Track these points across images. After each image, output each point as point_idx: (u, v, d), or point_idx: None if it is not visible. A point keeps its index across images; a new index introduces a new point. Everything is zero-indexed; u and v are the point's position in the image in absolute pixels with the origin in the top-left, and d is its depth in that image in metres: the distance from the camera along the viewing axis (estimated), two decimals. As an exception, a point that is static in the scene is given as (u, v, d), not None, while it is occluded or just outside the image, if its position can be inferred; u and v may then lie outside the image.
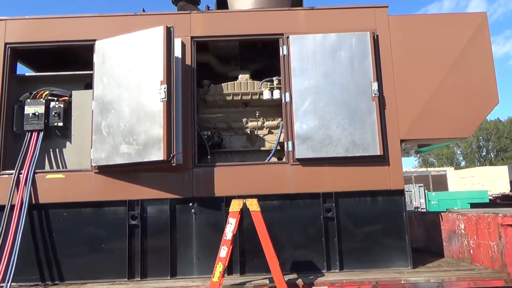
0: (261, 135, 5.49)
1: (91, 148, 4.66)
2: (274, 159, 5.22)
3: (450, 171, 25.96)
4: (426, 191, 18.36)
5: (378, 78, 4.78)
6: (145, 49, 4.57)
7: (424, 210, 16.91)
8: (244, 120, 5.48)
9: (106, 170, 4.66)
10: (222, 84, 5.35)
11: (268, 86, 5.23)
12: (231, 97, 5.33)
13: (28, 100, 5.03)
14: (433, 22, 4.99)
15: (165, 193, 4.67)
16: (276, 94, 5.14)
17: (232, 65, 5.79)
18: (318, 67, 4.77)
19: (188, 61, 4.92)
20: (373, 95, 4.69)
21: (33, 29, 5.01)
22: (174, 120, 4.42)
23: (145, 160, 4.37)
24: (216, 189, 4.67)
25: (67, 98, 5.08)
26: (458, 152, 67.53)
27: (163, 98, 4.37)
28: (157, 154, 4.31)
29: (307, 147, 4.63)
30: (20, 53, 5.17)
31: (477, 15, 4.99)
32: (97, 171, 4.69)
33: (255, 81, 5.37)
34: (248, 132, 5.44)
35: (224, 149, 5.43)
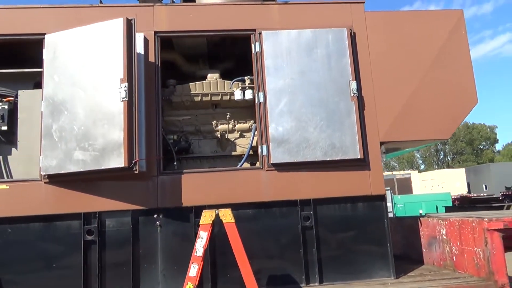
0: (232, 139, 5.10)
1: (40, 155, 4.11)
2: (247, 165, 4.84)
3: (414, 174, 26.54)
4: (392, 194, 18.55)
5: (357, 76, 4.52)
6: (103, 44, 4.09)
7: (391, 213, 17.05)
8: (213, 122, 5.07)
9: (57, 180, 4.12)
10: (190, 84, 4.93)
11: (240, 85, 4.86)
12: (199, 98, 4.92)
13: (-34, 101, 4.40)
14: (411, 18, 4.81)
15: (126, 204, 4.18)
16: (249, 94, 4.78)
17: (200, 64, 5.38)
18: (293, 65, 4.45)
19: (151, 58, 4.47)
20: (352, 94, 4.41)
21: (-29, 20, 4.40)
22: (136, 122, 3.96)
23: (102, 167, 3.87)
24: (184, 199, 4.23)
25: (12, 98, 4.49)
26: (418, 155, 69.84)
27: (123, 98, 3.90)
28: (117, 161, 3.83)
29: (283, 151, 4.28)
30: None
31: (454, 12, 4.85)
32: (47, 180, 4.13)
33: (226, 81, 4.98)
34: (218, 135, 5.04)
35: (192, 155, 5.00)
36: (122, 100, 3.90)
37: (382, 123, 4.51)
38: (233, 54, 5.36)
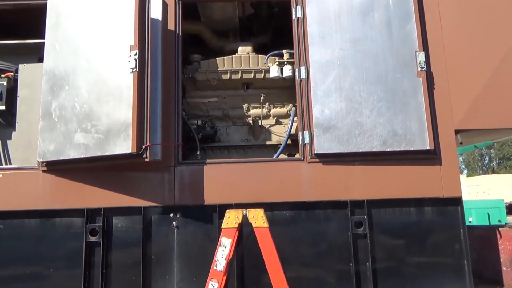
0: (267, 126, 4.28)
1: (39, 138, 3.44)
2: (283, 156, 4.01)
3: (462, 179, 24.69)
4: (438, 199, 17.04)
5: (425, 47, 3.58)
6: (112, 6, 3.37)
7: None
8: (245, 106, 4.26)
9: (57, 168, 3.44)
10: (217, 59, 4.14)
11: (277, 60, 4.02)
12: (228, 76, 4.11)
13: (-39, 77, 3.81)
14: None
15: (137, 200, 3.45)
16: (287, 71, 3.93)
17: (230, 38, 4.59)
18: (344, 32, 3.57)
19: (171, 26, 3.71)
20: (419, 69, 3.48)
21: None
22: (149, 99, 3.22)
23: (107, 153, 3.15)
24: (207, 195, 3.44)
25: (12, 74, 3.86)
26: (460, 159, 66.45)
27: (133, 68, 3.17)
28: (124, 146, 3.09)
29: (330, 138, 3.41)
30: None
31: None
32: (45, 169, 3.46)
33: (260, 55, 4.16)
34: (250, 121, 4.23)
35: (219, 144, 4.21)
36: (132, 71, 3.16)
37: (457, 106, 3.55)
38: (269, 27, 4.54)
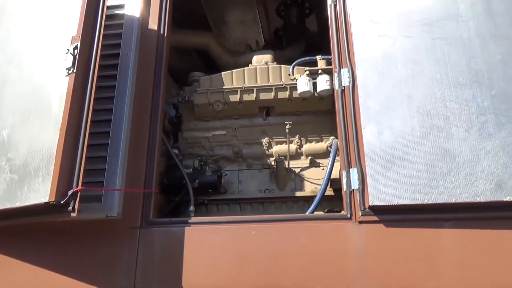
0: (297, 170, 2.89)
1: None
2: (320, 214, 2.56)
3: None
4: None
5: (555, 25, 2.13)
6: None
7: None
8: (264, 141, 2.95)
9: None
10: (223, 73, 2.92)
11: (306, 69, 2.73)
12: (238, 97, 2.85)
13: None
14: None
15: (80, 284, 2.12)
16: (323, 83, 2.61)
17: (246, 50, 3.40)
18: (411, 12, 2.24)
19: (153, 24, 2.61)
20: (552, 59, 2.01)
21: None
22: (89, 118, 2.01)
23: (17, 204, 1.92)
24: (188, 279, 2.05)
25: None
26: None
27: (69, 69, 2.01)
28: (40, 191, 1.85)
29: (396, 179, 1.94)
30: None
31: None
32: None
33: (283, 66, 2.88)
34: (273, 163, 2.88)
35: (228, 196, 2.87)
36: (68, 74, 2.01)
37: None
38: (301, 35, 3.34)
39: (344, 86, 2.24)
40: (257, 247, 2.06)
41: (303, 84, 2.65)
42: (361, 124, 2.09)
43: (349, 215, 2.04)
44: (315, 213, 2.42)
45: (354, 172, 2.07)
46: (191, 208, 2.62)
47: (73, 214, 1.80)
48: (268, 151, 2.94)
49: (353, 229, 2.00)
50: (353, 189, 2.06)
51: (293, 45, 3.39)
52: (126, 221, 2.16)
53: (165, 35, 2.60)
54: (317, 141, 2.92)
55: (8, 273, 2.19)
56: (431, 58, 2.13)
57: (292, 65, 2.77)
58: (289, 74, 2.77)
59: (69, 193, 1.81)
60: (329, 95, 2.65)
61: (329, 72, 2.63)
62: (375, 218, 1.97)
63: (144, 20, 2.59)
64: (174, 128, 2.96)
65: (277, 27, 3.77)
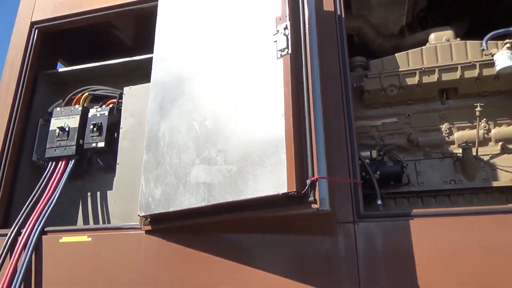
0: (486, 156, 2.57)
1: (142, 181, 2.27)
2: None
3: None
4: None
5: None
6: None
7: None
8: (444, 127, 2.66)
9: (164, 228, 2.19)
10: (396, 54, 2.68)
11: (506, 43, 2.41)
12: (416, 79, 2.59)
13: (58, 109, 2.96)
14: None
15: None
16: (531, 55, 2.29)
17: (406, 32, 3.13)
18: None
19: (328, 7, 2.43)
20: None
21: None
22: (311, 102, 1.84)
23: (242, 197, 1.79)
24: (424, 276, 1.82)
25: (115, 100, 2.89)
26: None
27: (282, 50, 1.87)
28: (269, 181, 1.70)
29: None
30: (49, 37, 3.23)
31: None
32: (149, 228, 2.24)
33: (469, 41, 2.58)
34: (456, 152, 2.58)
35: (407, 188, 2.60)
36: (281, 55, 1.86)
37: None
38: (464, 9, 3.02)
39: None
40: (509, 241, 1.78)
41: (505, 59, 2.33)
42: None
43: None
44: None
45: None
46: (379, 202, 2.39)
47: (315, 206, 1.63)
48: (449, 138, 2.65)
49: None
50: None
51: (456, 22, 3.08)
52: (335, 214, 1.98)
53: (343, 16, 2.41)
54: (508, 125, 2.58)
55: (207, 270, 2.08)
56: None
57: (485, 39, 2.46)
58: (483, 49, 2.46)
59: (308, 182, 1.65)
60: (534, 71, 2.32)
61: (536, 40, 2.30)
62: None
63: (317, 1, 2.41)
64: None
65: (421, 8, 3.46)
